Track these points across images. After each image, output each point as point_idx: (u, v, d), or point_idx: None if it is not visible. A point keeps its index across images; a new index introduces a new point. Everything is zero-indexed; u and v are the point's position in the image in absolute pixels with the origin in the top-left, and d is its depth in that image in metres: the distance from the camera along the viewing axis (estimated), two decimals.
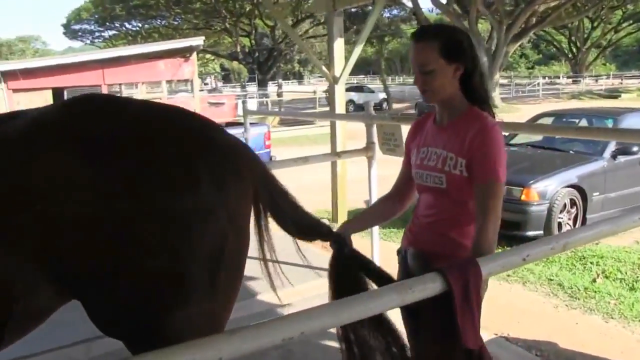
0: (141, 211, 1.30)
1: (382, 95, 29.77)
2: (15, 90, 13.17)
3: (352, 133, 7.13)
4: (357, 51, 6.42)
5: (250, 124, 8.17)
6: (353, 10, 25.34)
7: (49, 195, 1.26)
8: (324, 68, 6.55)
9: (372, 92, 30.73)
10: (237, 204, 1.45)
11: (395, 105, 29.29)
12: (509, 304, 4.01)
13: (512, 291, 4.33)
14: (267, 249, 1.68)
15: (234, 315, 1.54)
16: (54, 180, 1.27)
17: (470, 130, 1.69)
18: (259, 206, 1.61)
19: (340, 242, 1.80)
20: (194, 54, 15.43)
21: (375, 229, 3.89)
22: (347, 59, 6.35)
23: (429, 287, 1.31)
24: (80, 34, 43.06)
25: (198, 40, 15.44)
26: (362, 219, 2.16)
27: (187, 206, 1.33)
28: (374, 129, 4.03)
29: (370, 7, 8.91)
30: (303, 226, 1.71)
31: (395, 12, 37.89)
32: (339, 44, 6.33)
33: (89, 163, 1.29)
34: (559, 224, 5.60)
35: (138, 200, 1.30)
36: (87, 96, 1.50)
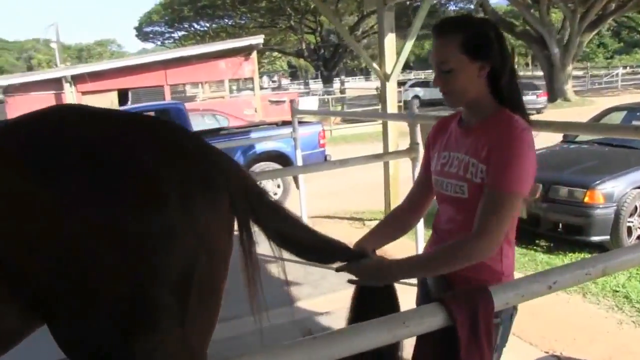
0: (91, 232, 1.18)
1: None
2: (84, 93, 13.82)
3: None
4: (408, 47, 6.17)
5: (304, 122, 8.11)
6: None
7: None
8: (375, 65, 6.34)
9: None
10: (209, 222, 1.31)
11: None
12: (565, 318, 3.67)
13: (569, 303, 3.96)
14: (250, 267, 1.47)
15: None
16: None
17: (496, 133, 1.48)
18: (241, 221, 1.44)
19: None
20: (254, 53, 15.58)
21: (420, 229, 3.67)
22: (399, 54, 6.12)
23: (426, 321, 1.13)
24: (151, 35, 44.75)
25: (258, 39, 15.58)
26: (376, 236, 1.84)
27: (147, 227, 1.20)
28: (418, 129, 3.81)
29: (418, 2, 8.54)
30: (303, 244, 1.53)
31: (461, 4, 36.83)
32: (390, 40, 6.11)
33: (34, 178, 1.19)
34: (629, 229, 5.13)
35: (86, 220, 1.18)
36: (50, 108, 1.41)
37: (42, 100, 13.39)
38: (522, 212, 4.97)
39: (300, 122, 6.53)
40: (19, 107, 13.15)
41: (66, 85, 13.61)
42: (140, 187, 1.22)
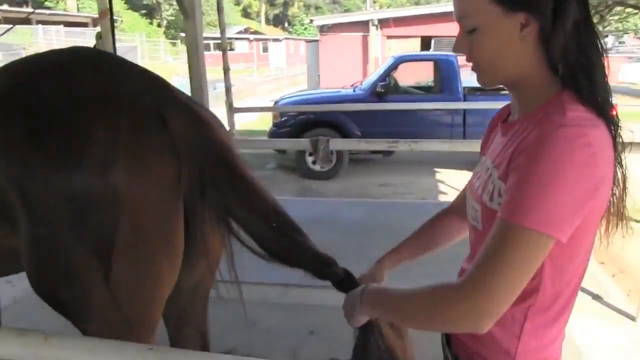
0: (19, 178, 1.20)
1: None
2: (388, 37, 14.15)
3: None
4: None
5: None
6: None
7: None
8: None
9: None
10: (133, 187, 1.20)
11: None
12: None
13: None
14: (201, 249, 1.34)
15: None
16: None
17: (527, 135, 0.91)
18: (186, 193, 1.27)
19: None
20: None
21: None
22: None
23: None
24: None
25: None
26: (398, 251, 1.37)
27: (62, 187, 1.17)
28: None
29: None
30: (263, 243, 1.25)
31: None
32: None
33: None
34: None
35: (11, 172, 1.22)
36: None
37: (350, 40, 14.11)
38: None
39: None
40: (330, 45, 14.12)
41: (372, 29, 14.10)
42: (63, 145, 1.19)
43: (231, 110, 5.69)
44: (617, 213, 1.00)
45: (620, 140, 0.96)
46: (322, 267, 1.20)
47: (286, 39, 39.85)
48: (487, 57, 0.98)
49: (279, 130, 7.53)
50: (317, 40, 15.98)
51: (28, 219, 1.23)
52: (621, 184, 0.98)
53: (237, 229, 1.26)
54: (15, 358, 1.03)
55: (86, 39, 20.25)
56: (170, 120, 1.25)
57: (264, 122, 8.14)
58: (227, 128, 5.68)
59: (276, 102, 8.24)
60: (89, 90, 1.27)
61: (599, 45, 0.93)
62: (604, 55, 0.94)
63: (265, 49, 38.27)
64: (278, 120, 7.66)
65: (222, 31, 5.41)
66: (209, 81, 5.47)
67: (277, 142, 6.07)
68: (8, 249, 1.36)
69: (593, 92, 0.92)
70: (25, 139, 1.21)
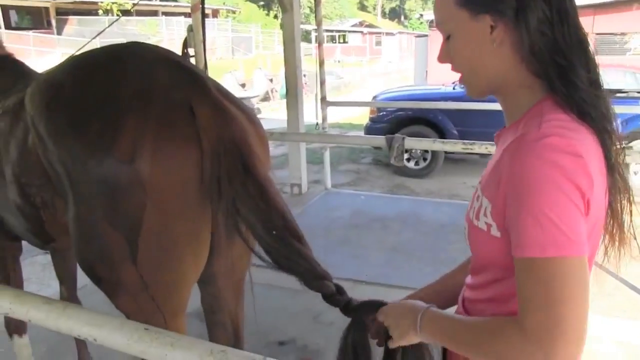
0: (66, 162, 1.35)
1: None
2: None
3: None
4: None
5: None
6: None
7: None
8: None
9: None
10: (158, 174, 1.28)
11: None
12: None
13: None
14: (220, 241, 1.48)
15: None
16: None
17: (506, 150, 0.85)
18: (207, 183, 1.32)
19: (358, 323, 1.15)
20: None
21: None
22: None
23: None
24: None
25: None
26: (431, 289, 1.24)
27: (96, 173, 1.29)
28: None
29: None
30: (279, 251, 1.24)
31: None
32: None
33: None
34: None
35: (54, 146, 1.38)
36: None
37: None
38: None
39: None
40: (439, 41, 13.67)
41: None
42: (98, 134, 1.30)
43: (324, 103, 5.76)
44: (616, 228, 0.90)
45: (616, 147, 0.88)
46: (314, 279, 1.19)
47: (400, 33, 39.41)
48: (465, 64, 0.94)
49: (375, 126, 7.50)
50: (426, 35, 15.64)
51: (72, 198, 1.36)
52: (621, 196, 0.89)
53: (244, 228, 1.29)
54: (41, 323, 1.14)
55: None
56: (197, 113, 1.32)
57: (366, 117, 8.18)
58: (320, 120, 5.79)
59: (375, 97, 8.21)
60: (126, 85, 1.37)
61: (581, 41, 0.86)
62: (588, 51, 0.86)
63: (378, 43, 38.16)
64: (375, 115, 7.63)
65: (319, 24, 5.49)
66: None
67: (351, 138, 6.06)
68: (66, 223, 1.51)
69: (571, 95, 0.84)
70: (70, 128, 1.34)
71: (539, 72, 0.87)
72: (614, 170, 0.88)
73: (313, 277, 1.19)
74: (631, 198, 0.91)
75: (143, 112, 1.31)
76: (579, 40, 0.86)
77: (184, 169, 1.31)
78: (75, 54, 1.72)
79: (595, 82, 0.87)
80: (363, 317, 1.14)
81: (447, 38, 0.94)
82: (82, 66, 1.51)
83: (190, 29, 3.31)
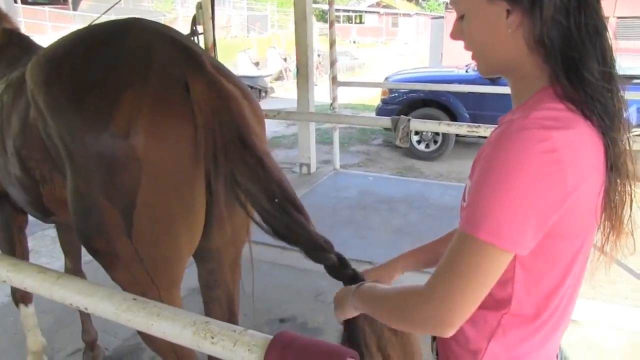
0: (64, 136, 1.37)
1: None
2: None
3: None
4: None
5: None
6: None
7: None
8: None
9: None
10: (153, 150, 1.30)
11: None
12: None
13: None
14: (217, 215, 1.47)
15: None
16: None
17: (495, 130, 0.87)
18: (205, 160, 1.34)
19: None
20: None
21: None
22: None
23: None
24: None
25: None
26: (415, 256, 1.32)
27: (92, 143, 1.30)
28: None
29: None
30: (280, 224, 1.25)
31: None
32: None
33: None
34: None
35: (55, 120, 1.39)
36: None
37: None
38: None
39: None
40: (453, 23, 13.41)
41: None
42: (96, 108, 1.32)
43: (334, 83, 5.73)
44: (614, 222, 0.90)
45: (621, 145, 0.86)
46: (315, 249, 1.21)
47: (417, 14, 38.87)
48: (477, 44, 0.93)
49: (386, 107, 7.46)
50: (442, 17, 15.42)
51: (70, 172, 1.38)
52: (620, 192, 0.88)
53: (244, 199, 1.30)
54: (35, 291, 1.18)
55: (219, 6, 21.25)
56: (192, 89, 1.33)
57: (379, 98, 8.16)
58: (330, 101, 5.78)
59: (387, 78, 8.15)
60: (124, 61, 1.38)
61: (599, 32, 0.83)
62: (606, 41, 0.84)
63: (395, 24, 37.69)
64: (387, 97, 7.59)
65: (331, 4, 5.44)
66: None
67: (358, 118, 6.03)
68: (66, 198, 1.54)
69: (575, 87, 0.83)
70: (69, 102, 1.35)
71: (547, 62, 0.86)
72: (615, 166, 0.86)
73: (313, 247, 1.21)
74: (633, 194, 0.90)
75: (140, 88, 1.32)
76: (596, 29, 0.83)
77: (179, 144, 1.33)
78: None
79: (608, 74, 0.84)
80: None
81: (460, 17, 0.93)
82: (81, 41, 1.52)
83: (199, 6, 3.31)
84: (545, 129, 0.78)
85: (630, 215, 0.92)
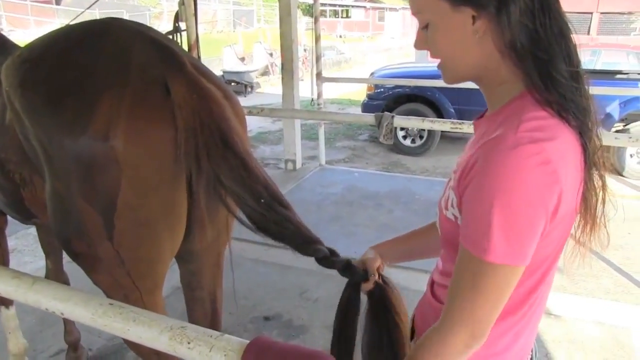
0: (42, 139, 1.35)
1: None
2: None
3: None
4: None
5: None
6: None
7: None
8: None
9: None
10: (132, 152, 1.29)
11: None
12: None
13: None
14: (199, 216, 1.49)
15: None
16: None
17: (479, 145, 0.85)
18: (185, 162, 1.31)
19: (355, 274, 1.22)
20: None
21: None
22: None
23: None
24: None
25: None
26: (402, 245, 1.33)
27: (70, 146, 1.29)
28: None
29: None
30: (265, 219, 1.24)
31: None
32: None
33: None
34: None
35: (33, 123, 1.37)
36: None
37: None
38: None
39: None
40: None
41: None
42: (74, 111, 1.30)
43: (319, 79, 5.73)
44: (589, 218, 0.91)
45: (596, 139, 0.88)
46: (305, 243, 1.20)
47: (403, 8, 38.89)
48: (444, 52, 0.92)
49: (372, 102, 7.46)
50: None
51: (49, 174, 1.36)
52: (596, 190, 0.89)
53: (228, 199, 1.29)
54: (9, 296, 1.16)
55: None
56: (173, 90, 1.31)
57: (365, 93, 8.17)
58: (315, 96, 5.76)
59: (372, 73, 8.15)
60: (103, 63, 1.36)
61: (563, 33, 0.84)
62: (570, 42, 0.85)
63: (381, 18, 37.69)
64: (372, 92, 7.58)
65: None
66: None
67: (341, 115, 6.02)
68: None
69: (550, 91, 0.83)
70: (46, 105, 1.33)
71: (519, 66, 0.86)
72: (592, 164, 0.88)
73: (304, 241, 1.21)
74: (606, 190, 0.92)
75: (118, 90, 1.30)
76: (560, 30, 0.84)
77: (159, 146, 1.32)
78: (70, 23, 1.70)
79: (575, 74, 0.86)
80: (361, 277, 1.21)
81: (424, 27, 0.92)
82: (57, 42, 1.49)
83: (182, 2, 3.28)
84: (536, 142, 0.79)
85: (603, 209, 0.94)
